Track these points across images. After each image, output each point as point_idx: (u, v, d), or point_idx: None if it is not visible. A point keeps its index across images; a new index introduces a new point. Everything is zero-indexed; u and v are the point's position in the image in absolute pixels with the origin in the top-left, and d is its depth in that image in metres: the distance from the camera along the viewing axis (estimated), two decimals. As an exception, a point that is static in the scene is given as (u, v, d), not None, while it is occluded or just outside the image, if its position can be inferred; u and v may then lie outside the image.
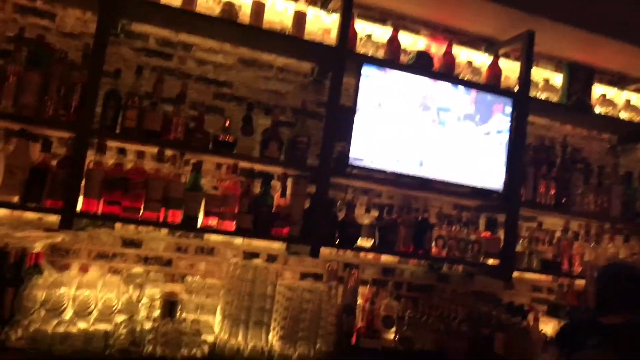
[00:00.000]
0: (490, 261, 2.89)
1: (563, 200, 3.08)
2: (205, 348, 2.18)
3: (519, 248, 3.00)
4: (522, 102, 2.98)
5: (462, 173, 2.85)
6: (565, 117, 3.39)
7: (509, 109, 2.95)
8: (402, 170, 2.75)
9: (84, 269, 2.54)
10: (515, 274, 2.98)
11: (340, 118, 2.66)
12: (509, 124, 2.95)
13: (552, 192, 3.04)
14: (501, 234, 2.94)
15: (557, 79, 3.38)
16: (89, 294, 2.19)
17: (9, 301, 2.09)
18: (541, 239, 3.07)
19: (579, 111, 3.23)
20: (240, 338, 2.27)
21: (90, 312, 2.17)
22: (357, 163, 2.68)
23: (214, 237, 2.76)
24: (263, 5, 2.65)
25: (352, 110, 2.67)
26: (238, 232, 2.52)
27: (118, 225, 2.64)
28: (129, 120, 2.36)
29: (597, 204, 3.16)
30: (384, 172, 2.73)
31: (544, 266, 3.03)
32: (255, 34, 2.66)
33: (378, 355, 2.56)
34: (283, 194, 2.62)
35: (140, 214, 2.36)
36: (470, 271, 3.21)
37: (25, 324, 2.04)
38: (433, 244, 2.86)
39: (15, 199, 2.22)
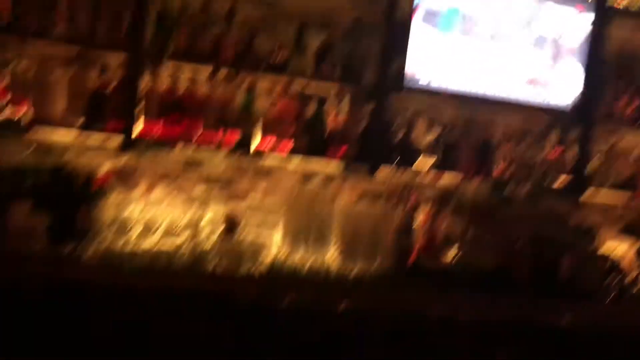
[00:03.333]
0: (559, 181, 2.73)
1: (646, 114, 2.80)
2: (266, 264, 2.24)
3: (591, 166, 2.81)
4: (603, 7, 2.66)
5: (531, 88, 2.64)
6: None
7: (588, 15, 2.65)
8: (465, 89, 2.58)
9: (148, 190, 2.65)
10: (586, 194, 2.80)
11: (398, 32, 2.50)
12: (587, 31, 2.66)
13: (635, 104, 2.76)
14: (572, 152, 2.75)
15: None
16: (154, 213, 2.27)
17: (81, 220, 2.21)
18: (618, 156, 2.85)
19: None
20: (300, 255, 2.31)
21: (157, 230, 2.26)
22: (416, 80, 2.53)
23: (272, 158, 2.76)
24: None
25: (411, 23, 2.49)
26: (294, 153, 2.50)
27: (178, 147, 2.68)
28: (181, 41, 2.33)
29: (685, 117, 2.86)
30: (444, 90, 2.58)
31: (620, 185, 2.83)
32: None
33: (437, 274, 2.54)
34: (338, 114, 2.54)
35: (198, 136, 2.38)
36: (537, 192, 3.06)
37: (97, 241, 2.16)
38: (497, 164, 2.72)
39: (79, 122, 2.28)
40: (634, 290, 2.63)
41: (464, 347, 2.27)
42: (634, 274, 2.79)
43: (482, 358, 2.29)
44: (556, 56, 2.64)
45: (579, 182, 2.72)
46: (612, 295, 2.49)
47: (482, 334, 2.27)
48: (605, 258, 2.69)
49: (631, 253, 2.90)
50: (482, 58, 2.58)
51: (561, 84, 2.66)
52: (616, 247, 2.75)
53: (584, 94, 2.67)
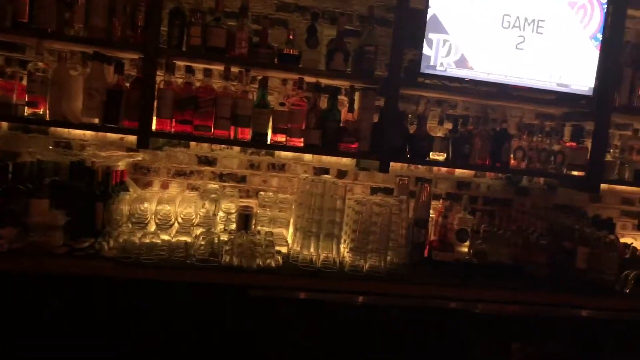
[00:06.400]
0: (575, 173, 2.70)
1: (665, 104, 2.74)
2: (279, 258, 2.27)
3: (609, 158, 2.77)
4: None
5: (546, 77, 2.60)
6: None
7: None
8: (479, 77, 2.56)
9: (164, 186, 2.71)
10: (604, 186, 2.76)
11: (411, 22, 2.49)
12: (603, 18, 2.61)
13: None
14: (588, 143, 2.71)
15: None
16: (169, 208, 2.31)
17: (100, 215, 2.27)
18: (636, 147, 2.79)
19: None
20: (312, 249, 2.33)
21: (172, 225, 2.30)
22: (430, 71, 2.52)
23: (284, 154, 2.79)
24: None
25: (423, 13, 2.48)
26: (306, 149, 2.52)
27: (193, 144, 2.73)
28: (194, 38, 2.36)
29: None
30: (459, 79, 2.56)
31: (638, 177, 2.78)
32: None
33: (450, 268, 2.54)
34: (351, 109, 2.55)
35: (211, 132, 2.41)
36: (553, 184, 3.03)
37: (115, 235, 2.21)
38: (512, 155, 2.71)
39: (96, 120, 2.33)
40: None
41: (479, 341, 2.27)
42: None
43: (497, 351, 2.29)
44: (575, 41, 2.59)
45: (595, 174, 2.67)
46: (629, 287, 2.46)
47: (497, 327, 2.27)
48: (622, 250, 2.66)
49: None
50: (497, 46, 2.55)
51: (578, 74, 2.62)
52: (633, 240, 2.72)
53: (600, 82, 2.62)
